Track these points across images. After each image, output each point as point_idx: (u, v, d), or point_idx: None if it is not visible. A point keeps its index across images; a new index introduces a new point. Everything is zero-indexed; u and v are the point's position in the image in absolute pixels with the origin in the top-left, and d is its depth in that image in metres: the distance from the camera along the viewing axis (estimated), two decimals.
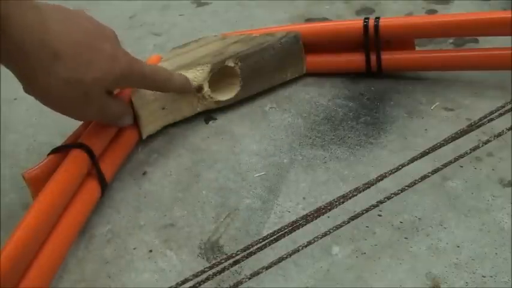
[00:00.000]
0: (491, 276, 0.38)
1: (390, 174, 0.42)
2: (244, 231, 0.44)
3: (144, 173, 0.50)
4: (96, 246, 0.44)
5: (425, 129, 0.51)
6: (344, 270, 0.40)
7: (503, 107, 0.46)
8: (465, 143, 0.45)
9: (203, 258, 0.42)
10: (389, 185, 0.43)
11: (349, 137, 0.52)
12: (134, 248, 0.43)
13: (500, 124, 0.46)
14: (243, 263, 0.38)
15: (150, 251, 0.43)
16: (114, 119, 0.48)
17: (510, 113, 0.46)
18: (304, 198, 0.46)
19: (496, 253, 0.40)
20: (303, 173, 0.48)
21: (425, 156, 0.44)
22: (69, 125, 0.48)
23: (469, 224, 0.42)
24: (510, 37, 0.53)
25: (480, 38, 0.62)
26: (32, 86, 0.41)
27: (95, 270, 0.42)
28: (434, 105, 0.54)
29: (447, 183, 0.46)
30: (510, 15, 0.51)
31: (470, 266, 0.39)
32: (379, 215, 0.43)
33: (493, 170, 0.46)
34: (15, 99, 0.62)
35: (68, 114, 0.45)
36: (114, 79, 0.44)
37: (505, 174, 0.46)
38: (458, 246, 0.41)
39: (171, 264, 0.42)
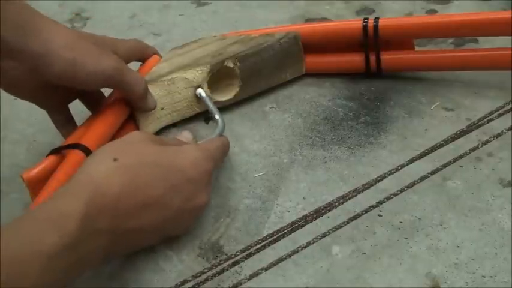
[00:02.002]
0: (491, 276, 0.38)
1: (390, 174, 0.42)
2: (244, 231, 0.44)
3: None
4: None
5: (425, 129, 0.51)
6: (344, 270, 0.40)
7: (503, 107, 0.46)
8: (465, 143, 0.45)
9: (203, 258, 0.42)
10: (389, 185, 0.43)
11: (349, 137, 0.52)
12: None
13: (500, 124, 0.46)
14: (242, 263, 0.38)
15: (150, 251, 0.43)
16: None
17: (510, 113, 0.46)
18: (304, 198, 0.46)
19: (496, 253, 0.40)
20: (303, 173, 0.48)
21: (426, 157, 0.44)
22: None
23: (469, 224, 0.42)
24: (510, 37, 0.53)
25: (480, 38, 0.62)
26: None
27: (95, 270, 0.42)
28: (434, 105, 0.54)
29: (447, 183, 0.46)
30: (509, 15, 0.51)
31: (470, 266, 0.39)
32: (379, 215, 0.43)
33: (493, 170, 0.46)
34: (15, 99, 0.61)
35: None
36: None
37: (505, 174, 0.46)
38: (458, 246, 0.41)
39: (171, 264, 0.42)
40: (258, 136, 0.53)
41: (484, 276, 0.38)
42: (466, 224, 0.42)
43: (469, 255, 0.40)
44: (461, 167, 0.47)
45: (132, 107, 0.51)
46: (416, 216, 0.43)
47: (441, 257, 0.40)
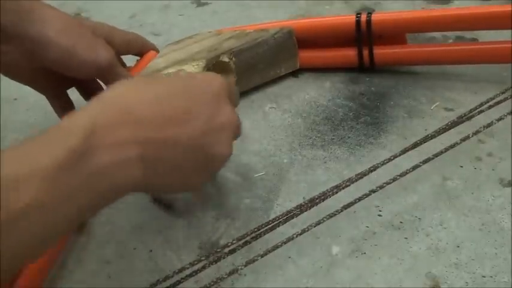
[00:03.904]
0: (491, 276, 0.38)
1: (383, 165, 0.42)
2: (244, 231, 0.44)
3: None
4: (96, 246, 0.44)
5: (425, 129, 0.51)
6: (344, 270, 0.40)
7: (493, 98, 0.46)
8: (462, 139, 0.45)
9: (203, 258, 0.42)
10: (384, 179, 0.42)
11: (349, 137, 0.52)
12: (134, 248, 0.43)
13: (493, 116, 0.45)
14: (238, 251, 0.39)
15: (150, 251, 0.43)
16: None
17: (501, 104, 0.45)
18: (304, 198, 0.46)
19: (496, 253, 0.40)
20: (303, 173, 0.48)
21: (424, 155, 0.44)
22: None
23: (469, 224, 0.42)
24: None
25: (479, 36, 0.62)
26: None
27: (95, 270, 0.42)
28: (434, 105, 0.54)
29: (447, 183, 0.46)
30: (499, 9, 0.52)
31: (470, 266, 0.39)
32: (379, 215, 0.43)
33: (493, 170, 0.46)
34: (15, 99, 0.62)
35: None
36: None
37: (505, 174, 0.46)
38: (458, 246, 0.41)
39: (171, 264, 0.42)
40: (258, 136, 0.53)
41: (484, 276, 0.38)
42: (466, 224, 0.42)
43: (469, 255, 0.40)
44: (461, 167, 0.47)
45: None
46: (416, 216, 0.43)
47: (441, 257, 0.40)
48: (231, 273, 0.37)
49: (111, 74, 0.47)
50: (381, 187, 0.41)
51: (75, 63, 0.44)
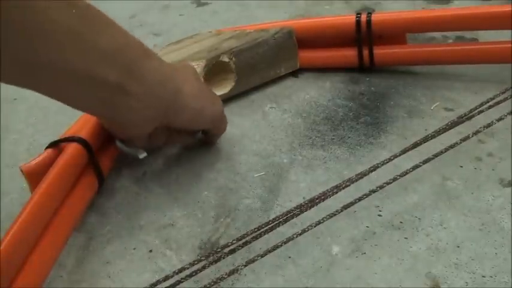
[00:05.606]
0: (491, 276, 0.38)
1: (383, 165, 0.42)
2: (244, 231, 0.44)
3: (144, 173, 0.50)
4: (96, 246, 0.44)
5: (425, 129, 0.51)
6: (344, 270, 0.40)
7: (493, 98, 0.46)
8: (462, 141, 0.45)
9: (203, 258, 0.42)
10: (384, 180, 0.42)
11: (349, 137, 0.52)
12: (134, 248, 0.43)
13: (493, 116, 0.45)
14: (238, 251, 0.38)
15: (150, 251, 0.43)
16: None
17: (501, 104, 0.45)
18: (304, 198, 0.46)
19: (496, 253, 0.40)
20: (303, 173, 0.48)
21: (424, 155, 0.44)
22: (69, 125, 0.48)
23: (469, 224, 0.42)
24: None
25: (479, 36, 0.62)
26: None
27: (95, 270, 0.42)
28: (434, 105, 0.54)
29: (447, 183, 0.46)
30: (499, 9, 0.52)
31: (470, 266, 0.39)
32: (379, 215, 0.43)
33: (493, 170, 0.46)
34: (15, 99, 0.62)
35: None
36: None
37: (505, 174, 0.46)
38: (458, 246, 0.41)
39: (171, 264, 0.42)
40: (258, 136, 0.53)
41: (484, 276, 0.38)
42: (466, 224, 0.42)
43: (469, 255, 0.40)
44: (461, 167, 0.47)
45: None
46: (416, 216, 0.43)
47: (441, 257, 0.40)
48: (231, 273, 0.37)
49: (221, 122, 0.50)
50: (381, 187, 0.41)
51: (202, 121, 0.47)
